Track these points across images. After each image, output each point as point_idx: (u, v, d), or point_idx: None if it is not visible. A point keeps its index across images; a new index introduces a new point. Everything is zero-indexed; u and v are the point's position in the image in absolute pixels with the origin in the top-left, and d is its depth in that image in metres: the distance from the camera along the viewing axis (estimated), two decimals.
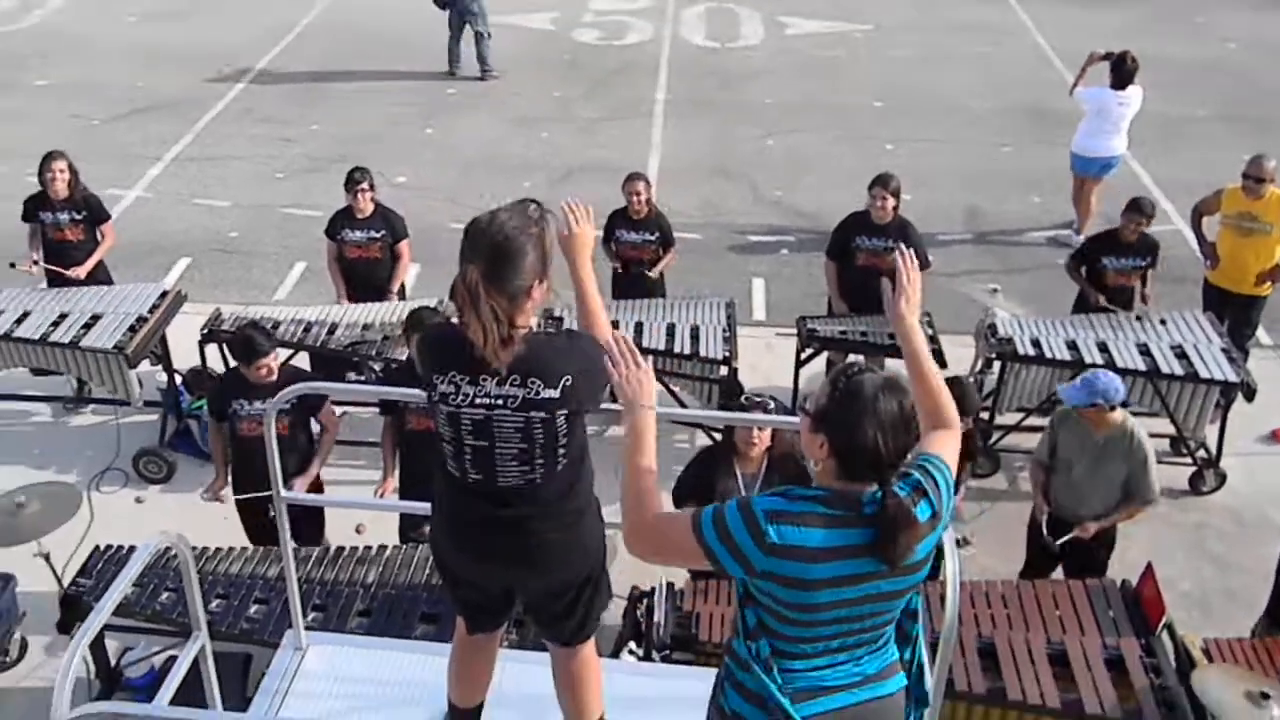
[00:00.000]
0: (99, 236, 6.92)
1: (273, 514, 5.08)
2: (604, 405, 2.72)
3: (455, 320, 2.71)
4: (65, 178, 6.63)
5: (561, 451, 2.64)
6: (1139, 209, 6.59)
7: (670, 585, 4.73)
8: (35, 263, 6.80)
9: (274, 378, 5.12)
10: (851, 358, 6.61)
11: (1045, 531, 5.19)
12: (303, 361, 6.73)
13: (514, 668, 3.42)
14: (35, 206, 6.78)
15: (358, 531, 5.21)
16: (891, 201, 6.46)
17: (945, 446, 2.45)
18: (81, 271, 6.77)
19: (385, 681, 3.50)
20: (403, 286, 7.16)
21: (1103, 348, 6.29)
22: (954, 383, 5.00)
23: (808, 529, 2.22)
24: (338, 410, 6.48)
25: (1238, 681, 4.18)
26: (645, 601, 4.66)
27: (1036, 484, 5.33)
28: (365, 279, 6.81)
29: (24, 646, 5.39)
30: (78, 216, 6.77)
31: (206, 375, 6.77)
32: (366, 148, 10.74)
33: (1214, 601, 5.76)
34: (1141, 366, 6.15)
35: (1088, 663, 4.41)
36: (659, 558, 2.45)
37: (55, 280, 6.85)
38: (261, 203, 9.89)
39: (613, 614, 4.38)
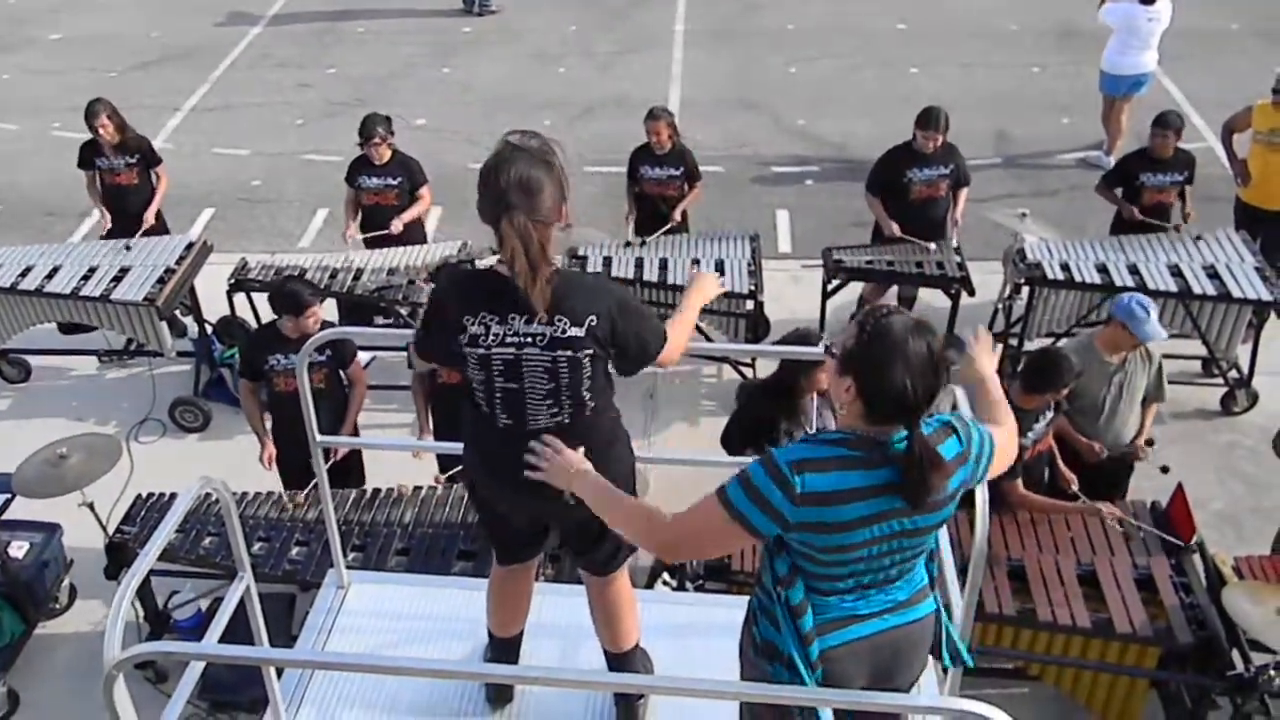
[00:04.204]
0: (153, 179, 7.00)
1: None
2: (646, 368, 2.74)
3: (479, 264, 2.72)
4: (111, 125, 6.71)
5: (587, 393, 2.66)
6: (1166, 122, 6.47)
7: None
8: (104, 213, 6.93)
9: (319, 327, 5.08)
10: (886, 299, 6.59)
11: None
12: (329, 307, 6.78)
13: (552, 599, 3.48)
14: (90, 153, 6.87)
15: (436, 482, 5.24)
16: (937, 138, 6.38)
17: (995, 429, 2.49)
18: (150, 216, 6.89)
19: (426, 616, 3.58)
20: (423, 229, 7.14)
21: (1133, 270, 6.22)
22: (1046, 355, 4.87)
23: (834, 473, 2.22)
24: (366, 356, 6.56)
25: (1269, 598, 4.20)
26: None
27: (1067, 430, 5.12)
28: (380, 225, 6.76)
29: (73, 593, 5.54)
30: (131, 160, 6.86)
31: (237, 324, 6.84)
32: (384, 90, 10.69)
33: (1245, 520, 5.76)
34: (1173, 288, 6.08)
35: (1118, 583, 4.44)
36: (699, 551, 2.46)
37: (116, 231, 6.91)
38: (281, 150, 9.89)
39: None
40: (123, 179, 6.89)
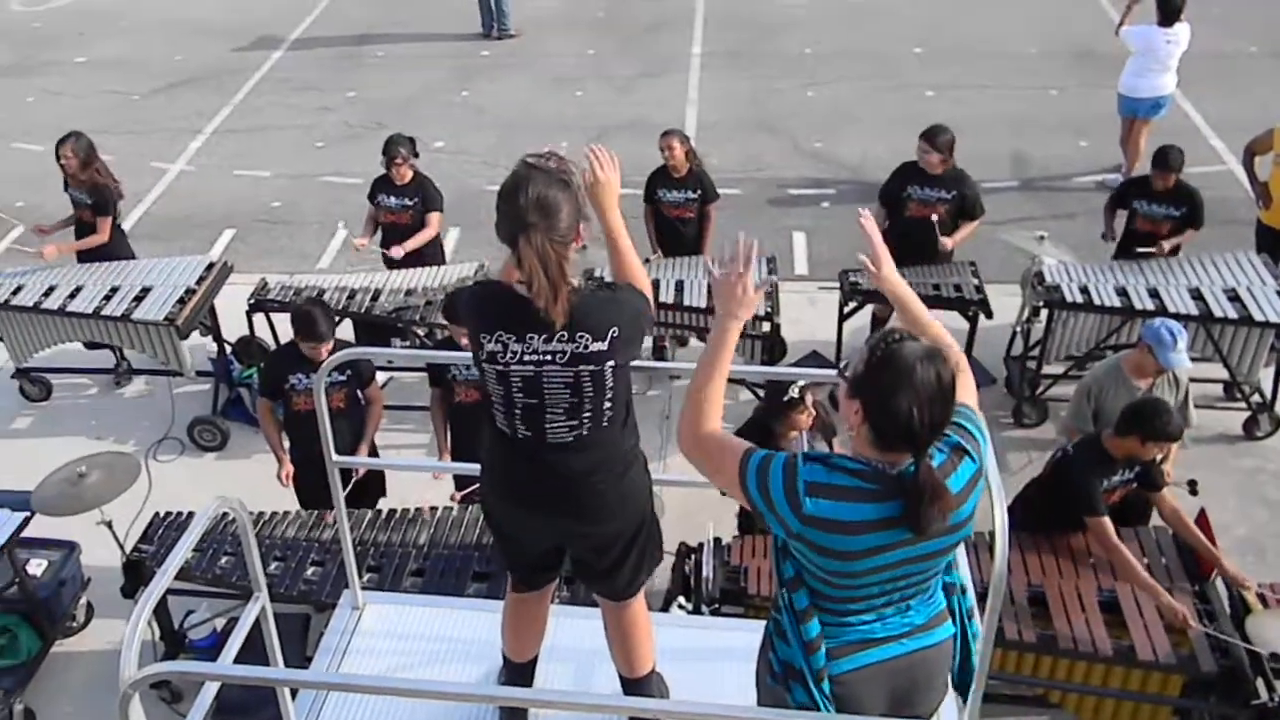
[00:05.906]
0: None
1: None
2: (637, 362, 2.73)
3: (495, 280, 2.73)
4: (72, 162, 6.66)
5: (608, 405, 2.66)
6: (1166, 164, 6.30)
7: (718, 540, 4.76)
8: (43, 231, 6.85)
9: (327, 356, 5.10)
10: (894, 321, 6.55)
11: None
12: (346, 328, 6.81)
13: (567, 622, 3.47)
14: (65, 182, 6.92)
15: (453, 500, 5.26)
16: (936, 156, 6.34)
17: (962, 390, 2.37)
18: (50, 252, 6.66)
19: (441, 638, 3.57)
20: (441, 250, 7.17)
21: (1153, 293, 6.17)
22: (1149, 402, 4.62)
23: (845, 503, 2.21)
24: (383, 376, 6.58)
25: None
26: (693, 556, 4.70)
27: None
28: (392, 243, 6.75)
29: (90, 611, 5.56)
30: (88, 201, 6.82)
31: (256, 345, 6.87)
32: (403, 113, 10.76)
33: (1269, 546, 5.69)
34: (1194, 311, 6.03)
35: (1140, 610, 4.38)
36: (703, 470, 2.46)
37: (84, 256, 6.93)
38: (302, 172, 9.96)
39: (661, 570, 4.41)
40: (83, 215, 6.90)
